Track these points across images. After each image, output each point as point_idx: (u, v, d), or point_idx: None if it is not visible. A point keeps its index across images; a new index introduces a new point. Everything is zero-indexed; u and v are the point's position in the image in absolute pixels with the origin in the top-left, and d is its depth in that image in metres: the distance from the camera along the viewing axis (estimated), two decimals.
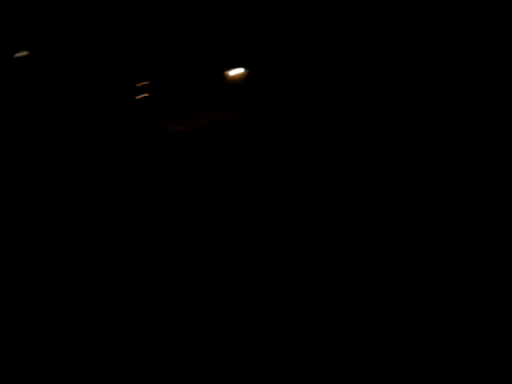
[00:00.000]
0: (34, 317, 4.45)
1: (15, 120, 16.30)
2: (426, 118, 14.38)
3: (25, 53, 19.34)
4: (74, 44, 18.06)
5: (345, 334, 4.19)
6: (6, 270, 5.48)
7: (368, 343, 4.05)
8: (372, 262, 5.73)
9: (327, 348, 3.99)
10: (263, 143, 14.05)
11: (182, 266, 5.69)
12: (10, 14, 18.42)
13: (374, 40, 16.24)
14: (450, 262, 5.71)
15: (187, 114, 17.88)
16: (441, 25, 15.11)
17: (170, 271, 5.49)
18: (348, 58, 16.80)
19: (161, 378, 3.66)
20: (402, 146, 12.50)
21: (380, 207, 7.89)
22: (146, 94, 18.00)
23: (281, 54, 18.45)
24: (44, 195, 8.74)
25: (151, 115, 17.33)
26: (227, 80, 18.64)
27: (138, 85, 17.46)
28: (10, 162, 11.44)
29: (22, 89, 18.44)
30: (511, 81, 13.51)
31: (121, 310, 4.60)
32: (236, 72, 18.71)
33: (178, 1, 18.43)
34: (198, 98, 18.54)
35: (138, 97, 17.29)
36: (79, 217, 7.51)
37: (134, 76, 17.98)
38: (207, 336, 4.13)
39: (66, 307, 4.62)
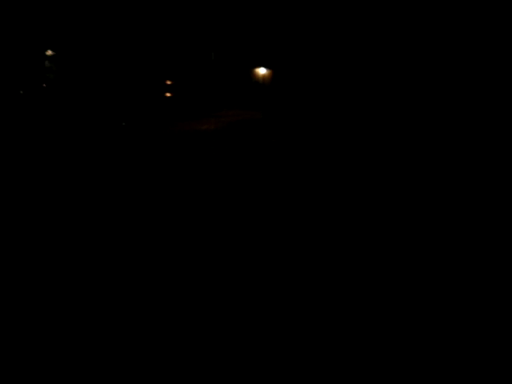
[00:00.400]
0: (34, 316, 4.49)
1: (46, 117, 16.55)
2: (427, 118, 14.24)
3: (51, 52, 19.62)
4: (100, 44, 18.28)
5: (345, 333, 4.17)
6: (6, 268, 5.54)
7: (368, 343, 4.03)
8: (372, 261, 5.72)
9: (327, 348, 3.97)
10: (286, 143, 14.03)
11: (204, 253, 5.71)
12: (36, 15, 18.73)
13: (389, 40, 16.13)
14: (450, 262, 5.68)
15: (212, 112, 17.95)
16: (441, 25, 14.94)
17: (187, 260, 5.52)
18: (366, 62, 16.71)
19: (161, 377, 3.65)
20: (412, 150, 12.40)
21: (384, 207, 7.90)
22: (170, 94, 18.13)
23: (304, 54, 18.42)
24: (77, 182, 8.86)
25: (176, 113, 17.44)
26: (251, 79, 18.65)
27: (167, 82, 17.60)
28: (42, 158, 11.61)
29: (50, 88, 18.70)
30: (510, 81, 13.31)
31: (121, 309, 4.62)
32: (260, 71, 18.73)
33: (202, 4, 18.53)
34: (222, 97, 18.59)
35: (167, 94, 17.43)
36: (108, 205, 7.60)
37: (160, 75, 18.12)
38: (207, 336, 4.12)
39: (65, 306, 4.65)
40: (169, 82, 17.98)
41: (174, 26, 18.31)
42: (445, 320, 4.44)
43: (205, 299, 4.98)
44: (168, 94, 17.73)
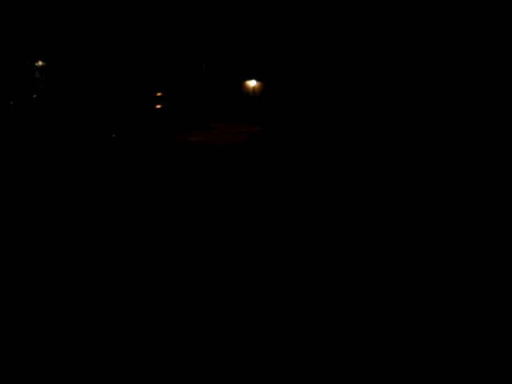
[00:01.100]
0: (34, 315, 4.47)
1: (35, 129, 16.45)
2: (426, 118, 14.37)
3: (41, 63, 19.61)
4: (90, 55, 18.30)
5: (344, 333, 4.18)
6: (6, 267, 5.52)
7: (368, 343, 4.03)
8: (372, 261, 5.74)
9: (326, 348, 3.97)
10: (279, 154, 14.06)
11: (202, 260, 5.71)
12: (27, 26, 18.71)
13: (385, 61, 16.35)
14: (450, 262, 5.71)
15: (202, 124, 18.00)
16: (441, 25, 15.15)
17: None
18: (359, 73, 16.89)
19: (161, 377, 3.65)
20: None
21: (383, 207, 7.96)
22: (160, 106, 18.16)
23: (295, 66, 18.59)
24: (65, 198, 8.83)
25: (166, 125, 17.46)
26: (241, 91, 18.77)
27: (158, 94, 17.64)
28: (28, 170, 11.53)
29: (40, 98, 18.66)
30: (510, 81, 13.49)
31: (121, 308, 4.61)
32: (250, 84, 18.86)
33: (193, 15, 18.66)
34: (213, 110, 18.67)
35: (157, 106, 17.46)
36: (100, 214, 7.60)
37: (150, 87, 18.16)
38: (207, 335, 4.12)
39: (66, 306, 4.63)
40: (159, 94, 18.02)
41: (165, 38, 18.42)
42: (445, 320, 4.42)
43: (204, 297, 4.96)
44: (158, 106, 17.77)
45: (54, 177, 11.30)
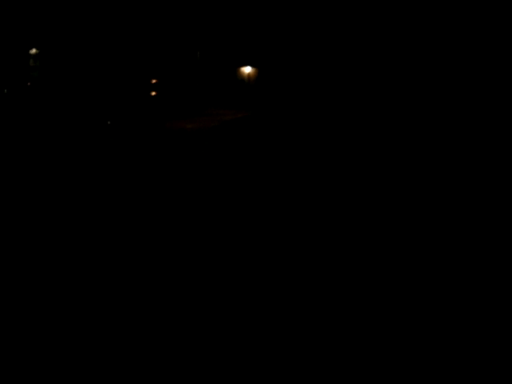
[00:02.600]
0: (34, 316, 4.51)
1: (28, 117, 16.44)
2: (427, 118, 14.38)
3: (35, 51, 19.49)
4: (84, 42, 18.20)
5: (344, 333, 4.18)
6: (6, 268, 5.56)
7: (368, 343, 4.03)
8: (371, 261, 5.74)
9: (326, 348, 3.99)
10: (273, 142, 14.10)
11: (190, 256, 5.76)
12: (21, 12, 18.57)
13: (377, 39, 16.30)
14: (450, 262, 5.73)
15: (197, 111, 17.99)
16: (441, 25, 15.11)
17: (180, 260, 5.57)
18: (353, 60, 16.86)
19: (161, 377, 3.66)
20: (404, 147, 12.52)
21: (380, 207, 7.97)
22: (155, 93, 18.12)
23: (290, 52, 18.54)
24: (57, 187, 8.84)
25: (162, 112, 17.45)
26: (236, 78, 18.73)
27: (153, 81, 17.59)
28: (19, 160, 11.55)
29: (34, 86, 18.58)
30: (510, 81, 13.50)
31: (121, 309, 4.65)
32: (245, 70, 18.82)
33: (187, 3, 18.53)
34: (208, 96, 18.65)
35: (152, 93, 17.43)
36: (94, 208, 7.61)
37: (145, 74, 18.10)
38: (207, 335, 4.16)
39: (66, 306, 4.67)
40: (154, 81, 17.98)
41: (160, 25, 18.30)
42: (444, 320, 4.45)
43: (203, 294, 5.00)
44: (153, 93, 17.74)
45: (49, 164, 11.32)
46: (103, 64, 17.99)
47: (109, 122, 16.24)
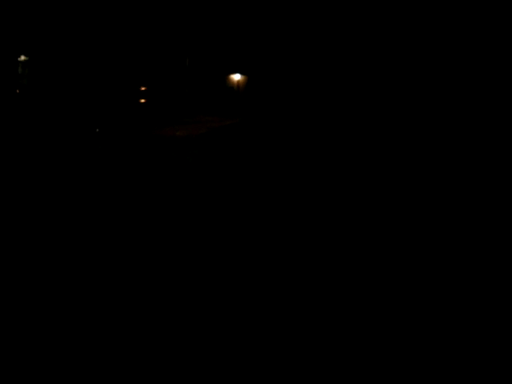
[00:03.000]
0: (34, 316, 4.51)
1: (17, 124, 16.41)
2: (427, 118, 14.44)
3: (24, 58, 19.46)
4: (73, 49, 18.21)
5: (344, 333, 4.20)
6: (6, 268, 5.56)
7: (368, 343, 4.04)
8: (372, 262, 5.74)
9: (326, 348, 4.00)
10: (262, 148, 14.15)
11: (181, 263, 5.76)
12: (11, 19, 18.56)
13: (370, 44, 16.43)
14: (450, 262, 5.73)
15: (187, 118, 18.03)
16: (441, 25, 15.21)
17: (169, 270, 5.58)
18: (345, 66, 16.99)
19: (161, 377, 3.67)
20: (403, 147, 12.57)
21: (380, 207, 7.97)
22: (144, 100, 18.16)
23: (279, 60, 18.64)
24: (50, 194, 8.82)
25: (151, 119, 17.48)
26: (226, 85, 18.81)
27: (142, 88, 17.63)
28: (14, 166, 11.53)
29: (23, 94, 18.54)
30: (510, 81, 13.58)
31: (121, 309, 4.66)
32: (235, 77, 18.90)
33: (177, 9, 18.62)
34: (197, 103, 18.71)
35: (141, 100, 17.46)
36: (86, 213, 7.60)
37: (134, 81, 18.14)
38: (207, 335, 4.17)
39: (66, 306, 4.68)
40: (143, 88, 18.01)
41: (149, 32, 18.35)
42: (444, 320, 4.46)
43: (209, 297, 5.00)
44: (142, 100, 17.76)
45: (36, 172, 11.30)
46: (92, 71, 18.00)
47: (97, 130, 16.25)
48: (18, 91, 18.78)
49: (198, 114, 18.36)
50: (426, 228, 6.93)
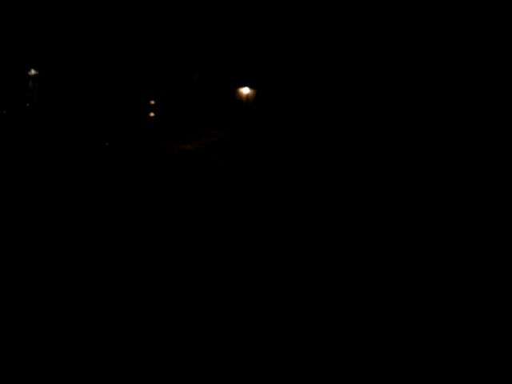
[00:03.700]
0: (34, 316, 4.46)
1: (27, 138, 16.46)
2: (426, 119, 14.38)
3: (34, 72, 19.62)
4: (83, 64, 18.34)
5: (344, 333, 4.16)
6: (6, 268, 5.51)
7: (368, 343, 4.01)
8: (371, 262, 5.71)
9: (326, 348, 3.96)
10: (270, 161, 14.10)
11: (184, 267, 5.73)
12: (20, 33, 18.76)
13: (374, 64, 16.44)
14: (450, 262, 5.69)
15: (196, 132, 18.03)
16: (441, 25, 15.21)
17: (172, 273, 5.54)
18: (351, 80, 16.99)
19: (161, 377, 3.64)
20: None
21: (380, 207, 7.92)
22: (153, 114, 18.20)
23: (288, 73, 18.67)
24: (61, 205, 8.82)
25: (160, 133, 17.49)
26: (235, 99, 18.82)
27: (151, 102, 17.68)
28: (21, 179, 11.52)
29: (33, 107, 18.64)
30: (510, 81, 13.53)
31: (121, 309, 4.61)
32: (244, 91, 18.92)
33: (186, 23, 18.75)
34: (206, 117, 18.72)
35: (151, 114, 17.50)
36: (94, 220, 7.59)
37: (143, 95, 18.20)
38: (207, 335, 4.12)
39: (66, 306, 4.62)
40: (152, 102, 18.04)
41: (158, 46, 18.47)
42: (444, 320, 4.40)
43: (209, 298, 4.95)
44: (152, 114, 17.79)
45: (47, 186, 11.29)
46: (102, 85, 18.08)
47: (107, 143, 16.24)
48: (27, 105, 18.89)
49: (207, 128, 18.35)
50: (426, 228, 6.90)
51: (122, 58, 18.13)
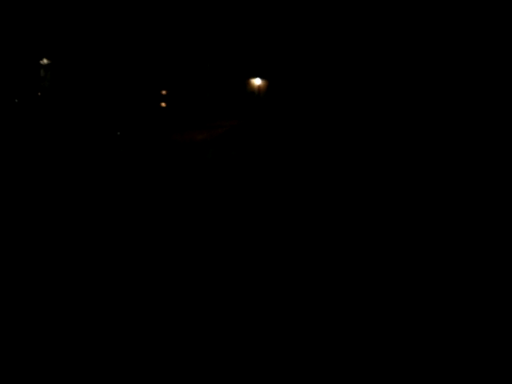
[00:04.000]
0: (35, 316, 4.46)
1: (39, 127, 16.45)
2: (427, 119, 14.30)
3: (46, 61, 19.60)
4: (95, 53, 18.28)
5: (344, 334, 4.17)
6: (7, 268, 5.51)
7: (368, 343, 4.02)
8: (371, 262, 5.72)
9: (327, 348, 3.97)
10: (282, 152, 14.02)
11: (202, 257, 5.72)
12: (32, 22, 18.71)
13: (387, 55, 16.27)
14: (450, 262, 5.69)
15: (207, 123, 17.96)
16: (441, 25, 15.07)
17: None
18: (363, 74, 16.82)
19: (161, 377, 3.65)
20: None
21: (380, 207, 7.93)
22: (165, 104, 18.14)
23: (300, 64, 18.53)
24: (73, 196, 8.83)
25: (171, 123, 17.44)
26: (246, 90, 18.72)
27: (162, 92, 17.63)
28: (33, 168, 11.52)
29: (45, 96, 18.66)
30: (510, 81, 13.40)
31: (121, 309, 4.60)
32: (255, 82, 18.80)
33: (198, 13, 18.62)
34: (217, 108, 18.64)
35: (162, 104, 17.45)
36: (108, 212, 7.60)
37: (155, 85, 18.14)
38: (207, 335, 4.12)
39: (66, 306, 4.62)
40: (164, 92, 17.98)
41: (170, 36, 18.37)
42: (444, 320, 4.41)
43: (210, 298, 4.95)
44: (163, 104, 17.74)
45: (59, 175, 11.30)
46: (113, 75, 18.04)
47: (118, 133, 16.21)
48: (39, 94, 18.91)
49: (218, 119, 18.28)
50: (426, 228, 6.90)
51: (133, 48, 18.07)
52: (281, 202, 8.55)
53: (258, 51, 18.42)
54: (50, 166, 12.29)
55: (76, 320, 4.51)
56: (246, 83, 18.64)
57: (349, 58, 17.49)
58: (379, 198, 8.67)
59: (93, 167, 12.34)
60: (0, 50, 18.30)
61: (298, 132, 15.93)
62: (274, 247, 6.41)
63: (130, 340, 4.18)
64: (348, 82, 17.42)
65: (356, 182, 9.79)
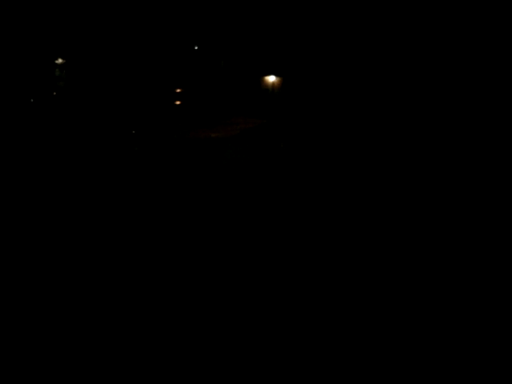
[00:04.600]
0: (35, 316, 4.44)
1: (55, 126, 16.54)
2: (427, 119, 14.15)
3: (61, 60, 19.72)
4: (110, 52, 18.35)
5: (344, 334, 4.14)
6: (7, 268, 5.50)
7: (368, 343, 4.00)
8: (371, 262, 5.74)
9: (327, 348, 3.93)
10: (296, 151, 13.95)
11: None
12: (47, 23, 18.83)
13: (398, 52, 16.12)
14: (450, 262, 5.67)
15: (221, 120, 17.94)
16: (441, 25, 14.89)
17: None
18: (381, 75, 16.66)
19: (161, 377, 3.62)
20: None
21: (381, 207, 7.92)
22: (179, 102, 18.15)
23: (315, 61, 18.41)
24: (95, 193, 8.88)
25: (186, 121, 17.45)
26: (260, 87, 18.64)
27: (177, 90, 17.64)
28: (48, 165, 11.56)
29: (60, 96, 18.78)
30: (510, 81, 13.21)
31: (121, 309, 4.57)
32: (269, 79, 18.73)
33: (212, 10, 18.60)
34: (231, 105, 18.60)
35: (177, 102, 17.46)
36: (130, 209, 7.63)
37: (169, 83, 18.16)
38: (207, 335, 4.09)
39: (66, 306, 4.60)
40: (178, 90, 17.99)
41: (184, 34, 18.38)
42: (444, 320, 4.38)
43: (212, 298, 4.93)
44: (178, 102, 17.74)
45: (74, 172, 11.34)
46: (128, 74, 18.10)
47: (133, 131, 16.24)
48: (54, 93, 19.03)
49: (232, 116, 18.24)
50: (426, 228, 6.91)
51: (149, 47, 18.11)
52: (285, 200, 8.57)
53: (273, 48, 18.34)
54: (66, 164, 12.32)
55: (76, 320, 4.48)
56: (260, 80, 18.56)
57: (362, 56, 17.34)
58: (381, 198, 8.65)
59: (108, 165, 12.35)
60: (15, 51, 18.45)
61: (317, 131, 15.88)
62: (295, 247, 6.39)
63: (130, 340, 4.15)
64: (360, 80, 17.29)
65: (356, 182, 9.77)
